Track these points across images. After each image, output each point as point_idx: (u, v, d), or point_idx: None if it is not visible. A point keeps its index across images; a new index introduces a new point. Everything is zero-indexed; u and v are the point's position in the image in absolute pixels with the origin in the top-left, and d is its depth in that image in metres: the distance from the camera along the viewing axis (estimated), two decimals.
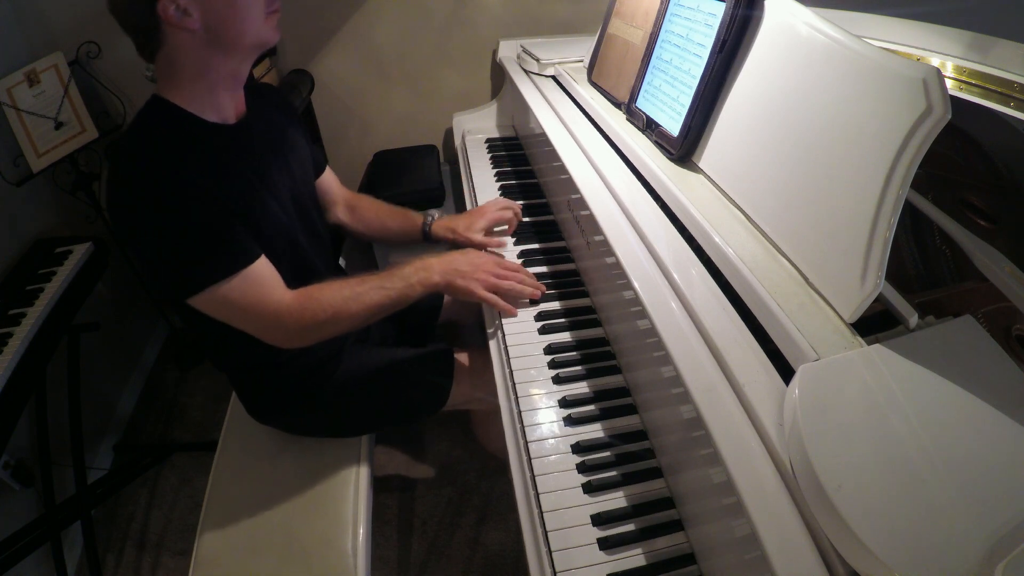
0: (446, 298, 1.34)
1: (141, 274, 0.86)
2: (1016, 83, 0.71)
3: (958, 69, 0.78)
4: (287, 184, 0.95)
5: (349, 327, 0.91)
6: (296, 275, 0.92)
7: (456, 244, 1.17)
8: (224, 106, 0.87)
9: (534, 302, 1.02)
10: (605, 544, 0.69)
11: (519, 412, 0.84)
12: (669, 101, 0.95)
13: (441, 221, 1.20)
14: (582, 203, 0.95)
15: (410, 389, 1.11)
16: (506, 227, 1.21)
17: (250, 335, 0.88)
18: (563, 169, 1.05)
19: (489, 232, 1.19)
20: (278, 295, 0.85)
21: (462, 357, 1.14)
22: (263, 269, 0.84)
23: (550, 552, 0.68)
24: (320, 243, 1.06)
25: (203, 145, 0.83)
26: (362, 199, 1.23)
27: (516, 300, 1.00)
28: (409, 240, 1.22)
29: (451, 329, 1.50)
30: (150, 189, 0.76)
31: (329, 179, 1.18)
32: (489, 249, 1.15)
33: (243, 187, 0.85)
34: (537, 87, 1.38)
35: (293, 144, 1.01)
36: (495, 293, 0.97)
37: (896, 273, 0.73)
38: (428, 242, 1.21)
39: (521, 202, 1.32)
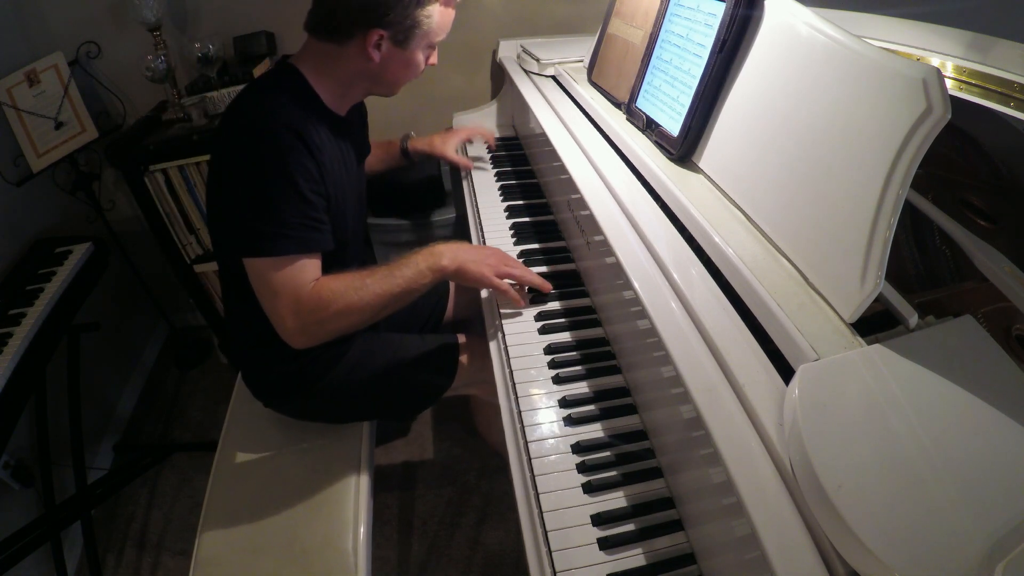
0: (450, 295, 1.35)
1: (218, 215, 0.91)
2: (1016, 83, 0.71)
3: (958, 69, 0.78)
4: (357, 179, 1.03)
5: (360, 319, 0.90)
6: (351, 263, 0.97)
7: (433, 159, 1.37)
8: (344, 105, 0.96)
9: (535, 301, 1.02)
10: (605, 544, 0.69)
11: (519, 412, 0.84)
12: (669, 101, 0.95)
13: (417, 139, 1.37)
14: (582, 203, 0.95)
15: (414, 376, 1.11)
16: (484, 142, 1.43)
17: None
18: (563, 169, 1.05)
19: (462, 152, 1.37)
20: (307, 285, 0.87)
21: (464, 341, 1.15)
22: (318, 261, 0.88)
23: (550, 552, 0.68)
24: (361, 235, 1.12)
25: (320, 125, 0.89)
26: None
27: (523, 293, 1.01)
28: (393, 163, 1.37)
29: (455, 324, 1.50)
30: (271, 143, 0.81)
31: None
32: (482, 233, 1.23)
33: (337, 173, 0.91)
34: (537, 87, 1.38)
35: (363, 146, 1.10)
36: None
37: (896, 273, 0.73)
38: (406, 159, 1.36)
39: (521, 202, 1.32)
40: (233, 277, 0.91)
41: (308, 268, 0.86)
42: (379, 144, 1.35)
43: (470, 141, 1.52)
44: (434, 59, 0.97)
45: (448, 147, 1.35)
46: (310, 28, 0.88)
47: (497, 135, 1.69)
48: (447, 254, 0.94)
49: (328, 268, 0.91)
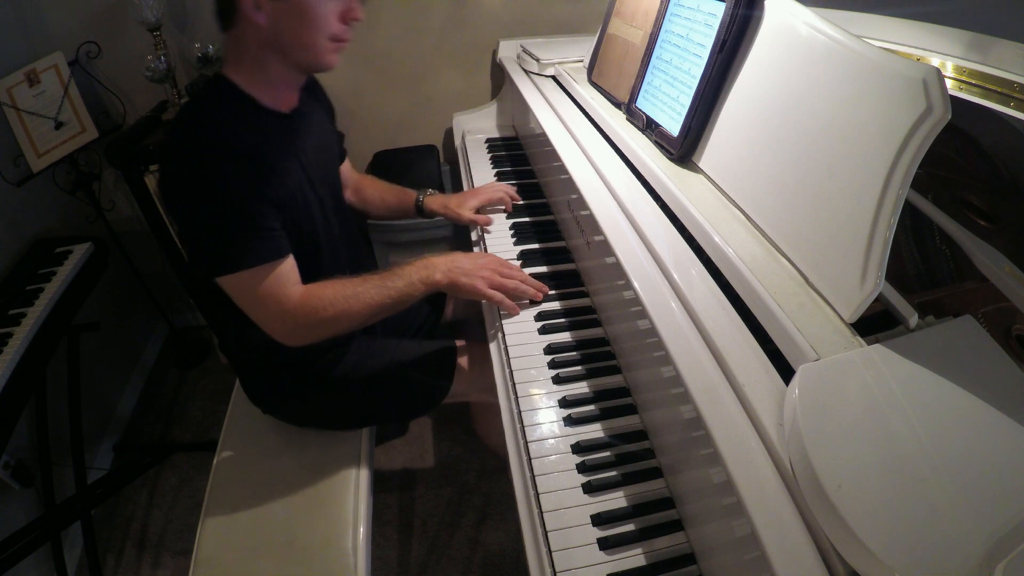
0: (449, 297, 1.35)
1: (183, 244, 0.91)
2: (1016, 83, 0.71)
3: (958, 69, 0.78)
4: (325, 177, 0.99)
5: (350, 326, 0.92)
6: (330, 264, 0.95)
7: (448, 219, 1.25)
8: (281, 96, 0.91)
9: (534, 302, 1.02)
10: (605, 544, 0.69)
11: (519, 412, 0.84)
12: (669, 101, 0.95)
13: (434, 196, 1.26)
14: (582, 203, 0.95)
15: (412, 383, 1.11)
16: (502, 207, 1.27)
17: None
18: (563, 169, 1.05)
19: (481, 212, 1.25)
20: (290, 291, 0.87)
21: (463, 349, 1.15)
22: (288, 265, 0.87)
23: (550, 552, 0.68)
24: (352, 233, 1.10)
25: (257, 128, 0.86)
26: (365, 179, 1.29)
27: (518, 300, 1.01)
28: (405, 215, 1.29)
29: (453, 325, 1.50)
30: (205, 165, 0.79)
31: (345, 166, 1.22)
32: (482, 231, 1.18)
33: (288, 177, 0.88)
34: (537, 87, 1.38)
35: (330, 142, 1.06)
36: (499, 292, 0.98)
37: (896, 273, 0.73)
38: (421, 216, 1.27)
39: (521, 202, 1.32)
40: (214, 291, 0.90)
41: (281, 275, 0.85)
42: (391, 190, 1.28)
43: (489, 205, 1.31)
44: (355, 11, 0.85)
45: (464, 210, 1.24)
46: (219, 27, 0.85)
47: (497, 135, 1.69)
48: (440, 267, 0.95)
49: (307, 269, 0.91)
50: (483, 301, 1.02)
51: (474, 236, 1.26)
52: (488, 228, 1.22)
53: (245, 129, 0.84)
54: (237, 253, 0.81)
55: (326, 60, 0.87)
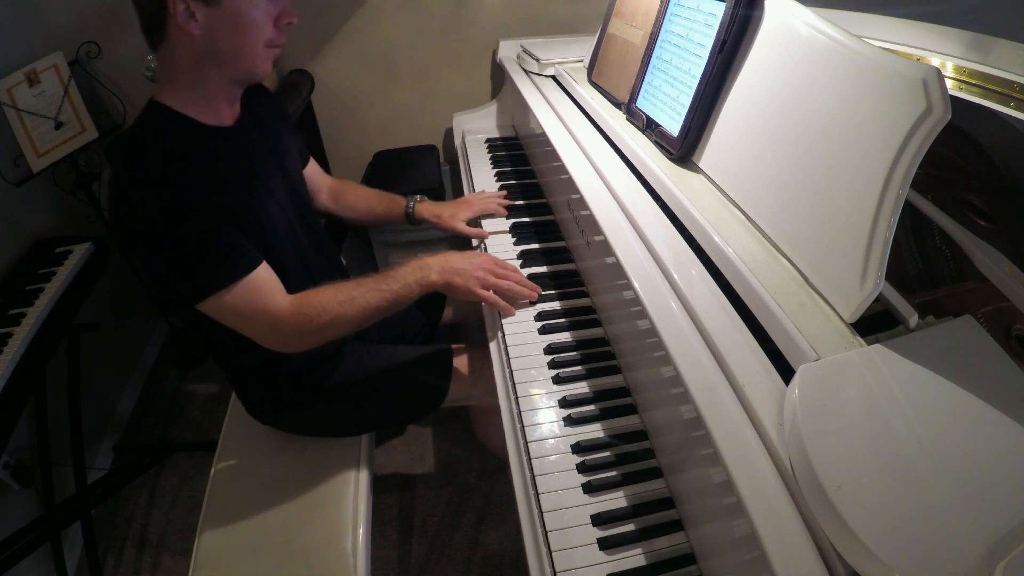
0: (449, 299, 1.35)
1: (146, 280, 0.87)
2: (1016, 83, 0.71)
3: (958, 69, 0.78)
4: (284, 184, 0.96)
5: (347, 330, 0.91)
6: (300, 273, 0.93)
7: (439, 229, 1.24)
8: (221, 111, 0.87)
9: (533, 302, 1.02)
10: (605, 544, 0.69)
11: (519, 412, 0.84)
12: (669, 101, 0.95)
13: (425, 205, 1.24)
14: (582, 203, 0.95)
15: (408, 388, 1.11)
16: (496, 217, 1.26)
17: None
18: (563, 169, 1.05)
19: (474, 223, 1.23)
20: (277, 300, 0.86)
21: (461, 354, 1.15)
22: (264, 275, 0.85)
23: (550, 552, 0.68)
24: (319, 239, 1.07)
25: (201, 149, 0.83)
26: (346, 184, 1.25)
27: (514, 301, 1.01)
28: (394, 222, 1.26)
29: (453, 328, 1.50)
30: (152, 199, 0.76)
31: (312, 169, 1.18)
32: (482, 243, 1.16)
33: (242, 190, 0.85)
34: (537, 87, 1.38)
35: (287, 144, 1.02)
36: (493, 293, 0.98)
37: (896, 273, 0.73)
38: (411, 224, 1.25)
39: (521, 202, 1.32)
40: (192, 316, 0.86)
41: (259, 286, 0.83)
42: (378, 196, 1.27)
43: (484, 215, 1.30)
44: (288, 15, 0.83)
45: (457, 221, 1.21)
46: (149, 45, 0.81)
47: (497, 135, 1.69)
48: (435, 268, 0.94)
49: (290, 271, 0.90)
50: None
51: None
52: (484, 239, 1.20)
53: (189, 152, 0.81)
54: (206, 277, 0.79)
55: (262, 68, 0.84)
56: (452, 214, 1.22)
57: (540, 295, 1.03)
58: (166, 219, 0.77)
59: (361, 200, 1.25)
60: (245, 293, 0.82)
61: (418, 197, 1.25)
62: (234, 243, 0.81)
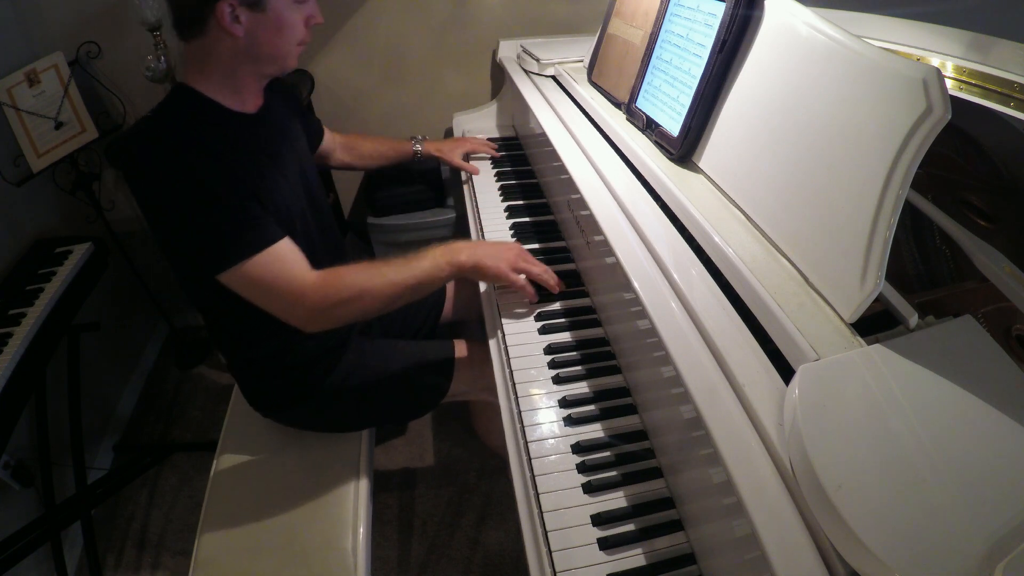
0: (448, 295, 1.35)
1: (169, 254, 0.88)
2: (1016, 83, 0.71)
3: (958, 69, 0.78)
4: (296, 167, 0.99)
5: (373, 308, 0.90)
6: (308, 256, 0.93)
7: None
8: (247, 100, 0.92)
9: (538, 301, 1.02)
10: (605, 544, 0.69)
11: (519, 412, 0.84)
12: (669, 101, 0.95)
13: (429, 143, 1.45)
14: (582, 203, 0.95)
15: (411, 383, 1.11)
16: (487, 156, 1.51)
17: (261, 323, 0.88)
18: (563, 169, 1.05)
19: (467, 159, 1.47)
20: (302, 273, 0.86)
21: (462, 349, 1.15)
22: (288, 247, 0.86)
23: (550, 552, 0.68)
24: (326, 221, 1.09)
25: (225, 131, 0.87)
26: (356, 138, 1.38)
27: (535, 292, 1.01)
28: (400, 160, 1.44)
29: (452, 326, 1.51)
30: (179, 169, 0.78)
31: (326, 135, 1.28)
32: (480, 228, 1.23)
33: (262, 171, 0.88)
34: (537, 87, 1.38)
35: (299, 132, 1.06)
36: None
37: (896, 273, 0.73)
38: (417, 158, 1.44)
39: (521, 202, 1.32)
40: (206, 298, 0.90)
41: (283, 258, 0.85)
42: (388, 141, 1.42)
43: (475, 153, 1.53)
44: (316, 15, 0.89)
45: (455, 154, 1.44)
46: (178, 35, 0.84)
47: (497, 135, 1.69)
48: (465, 250, 0.94)
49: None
50: (483, 297, 1.01)
51: (474, 236, 1.26)
52: (475, 173, 1.44)
53: (214, 132, 0.84)
54: (231, 245, 0.81)
55: (292, 64, 0.91)
56: (451, 148, 1.45)
57: (545, 295, 1.03)
58: (193, 188, 0.79)
59: (372, 148, 1.39)
60: (269, 264, 0.83)
61: (420, 137, 1.44)
62: (256, 215, 0.84)
